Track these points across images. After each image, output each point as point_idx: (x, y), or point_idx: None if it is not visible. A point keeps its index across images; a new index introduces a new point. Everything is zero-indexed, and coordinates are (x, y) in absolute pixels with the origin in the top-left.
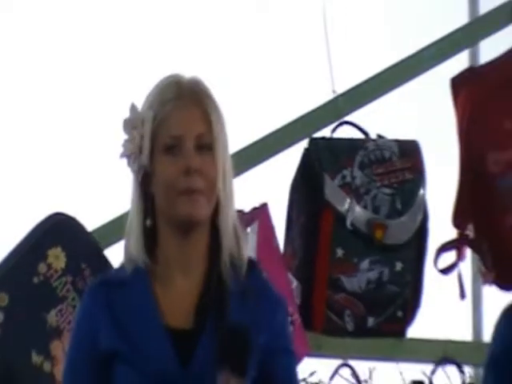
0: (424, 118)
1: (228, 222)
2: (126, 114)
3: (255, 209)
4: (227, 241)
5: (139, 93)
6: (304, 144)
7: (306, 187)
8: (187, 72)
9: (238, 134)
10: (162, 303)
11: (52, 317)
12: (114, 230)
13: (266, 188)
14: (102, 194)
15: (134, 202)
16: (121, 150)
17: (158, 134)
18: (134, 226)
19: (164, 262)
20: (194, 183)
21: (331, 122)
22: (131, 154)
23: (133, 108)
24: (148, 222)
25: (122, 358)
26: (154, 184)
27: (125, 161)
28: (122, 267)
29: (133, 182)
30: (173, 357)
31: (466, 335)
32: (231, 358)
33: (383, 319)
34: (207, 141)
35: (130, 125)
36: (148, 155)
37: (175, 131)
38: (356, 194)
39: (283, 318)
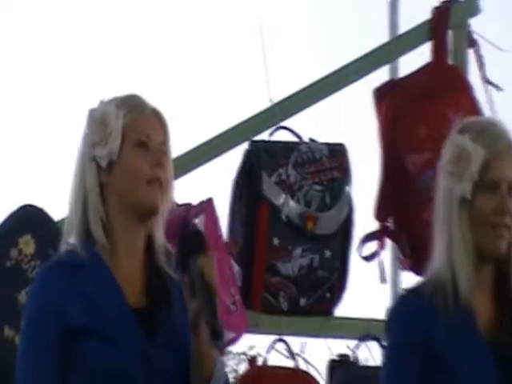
0: (350, 124)
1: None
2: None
3: (202, 202)
4: (158, 235)
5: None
6: (245, 146)
7: (247, 184)
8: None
9: (188, 136)
10: (120, 284)
11: (22, 296)
12: None
13: (212, 184)
14: (65, 187)
15: (90, 189)
16: (87, 137)
17: (128, 129)
18: (93, 210)
19: (114, 243)
20: (160, 174)
21: (269, 127)
22: (98, 141)
23: (102, 103)
24: (105, 208)
25: (93, 333)
26: (114, 172)
27: (82, 149)
28: (71, 251)
29: (85, 169)
30: (139, 332)
31: (384, 314)
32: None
33: (313, 300)
34: (164, 149)
35: (100, 117)
36: (119, 146)
37: (147, 131)
38: (290, 189)
39: None
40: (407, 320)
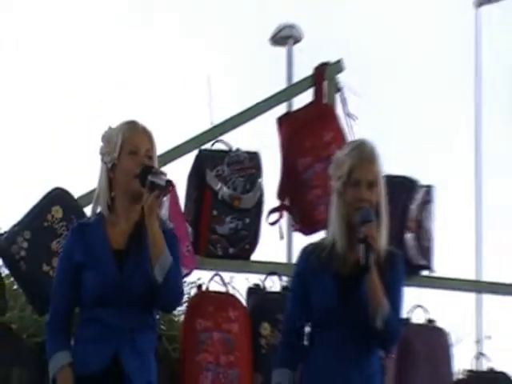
0: (264, 140)
1: None
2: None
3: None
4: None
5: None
6: (195, 152)
7: (196, 176)
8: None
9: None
10: (110, 236)
11: (54, 245)
12: (89, 198)
13: (174, 177)
14: (82, 177)
15: (102, 180)
16: (101, 149)
17: (124, 144)
18: (102, 195)
19: (115, 214)
20: None
21: (210, 140)
22: (107, 152)
23: (109, 128)
24: (112, 194)
25: (86, 267)
26: (117, 171)
27: (99, 157)
28: (89, 218)
29: (101, 169)
30: (114, 266)
31: (283, 259)
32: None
33: (238, 249)
34: (149, 154)
35: (108, 137)
36: (117, 154)
37: (137, 143)
38: (224, 180)
39: (175, 242)
40: (299, 262)
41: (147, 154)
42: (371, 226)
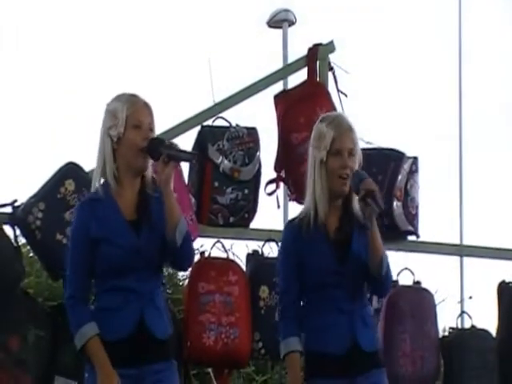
0: (261, 116)
1: (150, 171)
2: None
3: None
4: (148, 176)
5: None
6: (198, 128)
7: (198, 151)
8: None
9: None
10: (120, 207)
11: (67, 215)
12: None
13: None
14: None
15: (107, 153)
16: (105, 122)
17: (129, 117)
18: (109, 167)
19: (120, 185)
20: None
21: (212, 116)
22: (113, 125)
23: (112, 101)
24: (116, 165)
25: (102, 240)
26: (121, 144)
27: (102, 129)
28: (96, 191)
29: (104, 142)
30: (132, 236)
31: (280, 226)
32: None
33: (238, 218)
34: (151, 127)
35: (112, 111)
36: (123, 128)
37: (140, 117)
38: (224, 154)
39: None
40: (287, 237)
41: (149, 126)
42: (369, 181)
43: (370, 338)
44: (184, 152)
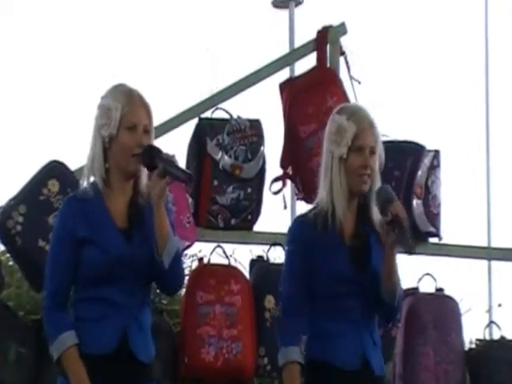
0: (266, 106)
1: (144, 176)
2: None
3: None
4: (142, 184)
5: None
6: (195, 121)
7: (197, 145)
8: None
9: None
10: (111, 212)
11: (51, 219)
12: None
13: (174, 147)
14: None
15: (97, 151)
16: (97, 120)
17: (123, 117)
18: (98, 167)
19: (110, 188)
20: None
21: (211, 108)
22: (105, 124)
23: (106, 95)
24: (106, 166)
25: (91, 244)
26: (113, 144)
27: (93, 123)
28: (83, 191)
29: (96, 138)
30: (122, 244)
31: (287, 229)
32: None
33: (240, 220)
34: (147, 129)
35: (106, 108)
36: (116, 129)
37: (135, 119)
38: (225, 149)
39: (170, 213)
40: (298, 235)
41: (145, 129)
42: (399, 207)
43: (380, 360)
44: (181, 170)
